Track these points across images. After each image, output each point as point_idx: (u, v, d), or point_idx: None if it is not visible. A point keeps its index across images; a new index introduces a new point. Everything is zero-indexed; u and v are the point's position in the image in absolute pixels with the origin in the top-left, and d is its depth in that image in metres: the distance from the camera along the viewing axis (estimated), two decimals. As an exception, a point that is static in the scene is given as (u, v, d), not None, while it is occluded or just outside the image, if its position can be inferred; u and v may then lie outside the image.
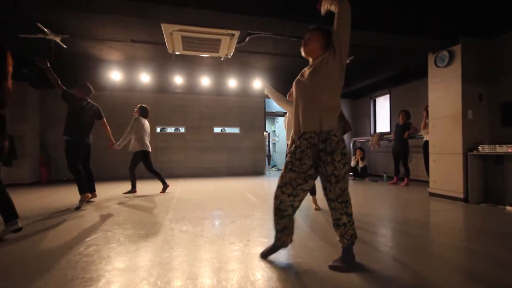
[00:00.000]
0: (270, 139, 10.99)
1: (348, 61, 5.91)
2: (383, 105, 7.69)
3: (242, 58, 6.01)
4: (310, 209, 3.50)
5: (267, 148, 9.22)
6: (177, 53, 4.45)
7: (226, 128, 8.17)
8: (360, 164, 6.83)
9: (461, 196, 3.91)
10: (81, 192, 3.61)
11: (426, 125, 5.08)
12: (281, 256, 1.96)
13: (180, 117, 7.69)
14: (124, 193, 4.65)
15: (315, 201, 3.53)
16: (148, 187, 5.43)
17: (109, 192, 4.93)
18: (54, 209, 3.53)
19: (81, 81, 4.11)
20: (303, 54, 1.89)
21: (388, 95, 7.30)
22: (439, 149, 4.27)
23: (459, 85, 3.95)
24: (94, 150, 4.34)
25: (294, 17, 3.28)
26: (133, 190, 4.65)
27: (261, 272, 1.69)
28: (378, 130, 7.77)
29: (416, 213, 3.35)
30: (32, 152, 6.39)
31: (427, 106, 4.80)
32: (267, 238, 2.33)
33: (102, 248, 2.12)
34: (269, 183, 6.31)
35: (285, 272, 1.71)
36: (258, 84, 7.64)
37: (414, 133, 5.72)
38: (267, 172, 8.53)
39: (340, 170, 1.66)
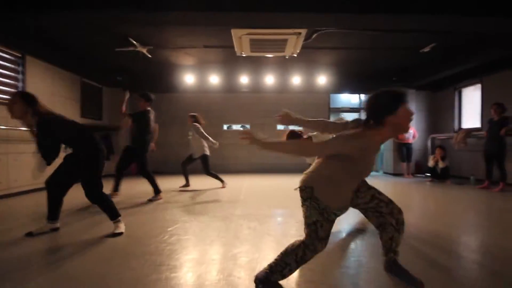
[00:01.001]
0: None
1: (428, 49, 5.28)
2: (471, 97, 6.64)
3: (307, 55, 5.90)
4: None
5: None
6: (244, 55, 4.65)
7: (289, 126, 8.19)
8: (441, 165, 6.06)
9: None
10: (156, 192, 4.07)
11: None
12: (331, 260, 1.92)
13: (246, 115, 8.01)
14: (180, 187, 5.10)
15: None
16: (203, 182, 5.84)
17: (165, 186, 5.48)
18: (139, 199, 4.10)
19: (140, 90, 4.33)
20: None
21: (479, 85, 6.27)
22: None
23: None
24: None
25: (360, 10, 3.09)
26: (187, 184, 5.12)
27: (337, 272, 1.69)
28: (464, 126, 6.75)
29: (515, 228, 2.84)
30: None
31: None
32: (331, 239, 2.30)
33: (182, 238, 2.40)
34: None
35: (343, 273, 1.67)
36: (323, 79, 7.42)
37: (514, 130, 4.80)
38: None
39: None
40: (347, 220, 2.94)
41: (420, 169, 7.38)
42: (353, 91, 8.27)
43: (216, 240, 2.36)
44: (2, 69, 4.26)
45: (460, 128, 6.74)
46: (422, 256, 2.04)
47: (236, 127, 8.21)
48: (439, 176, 6.11)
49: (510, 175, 5.09)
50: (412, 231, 2.62)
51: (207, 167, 4.97)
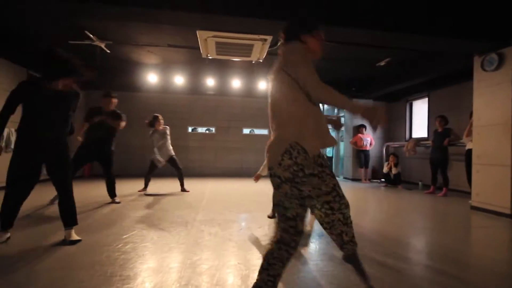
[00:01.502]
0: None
1: (383, 63, 5.68)
2: (420, 109, 7.28)
3: (273, 61, 6.01)
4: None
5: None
6: (210, 57, 4.58)
7: (255, 130, 8.24)
8: (394, 171, 6.52)
9: (509, 211, 3.59)
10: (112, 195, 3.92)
11: (470, 133, 4.71)
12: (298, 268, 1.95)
13: (211, 118, 7.90)
14: (139, 191, 4.92)
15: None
16: (168, 185, 5.65)
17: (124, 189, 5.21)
18: (95, 203, 3.81)
19: (105, 91, 4.20)
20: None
21: (426, 99, 6.89)
22: (484, 159, 3.95)
23: (509, 91, 3.63)
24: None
25: (325, 21, 3.23)
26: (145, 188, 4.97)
27: (289, 279, 1.70)
28: (414, 136, 7.36)
29: (457, 229, 3.14)
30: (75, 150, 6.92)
31: (471, 112, 4.46)
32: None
33: (138, 246, 2.26)
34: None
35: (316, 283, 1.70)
36: (288, 86, 7.59)
37: (455, 140, 5.34)
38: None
39: None
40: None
41: (376, 174, 7.87)
42: (317, 98, 8.58)
43: (175, 247, 2.25)
44: None
45: (410, 137, 7.34)
46: (372, 258, 2.15)
47: (201, 129, 8.05)
48: (392, 182, 6.57)
49: (453, 181, 5.64)
50: (365, 233, 2.76)
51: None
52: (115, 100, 4.07)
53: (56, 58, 2.32)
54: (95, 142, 3.83)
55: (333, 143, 1.34)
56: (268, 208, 3.83)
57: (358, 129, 7.53)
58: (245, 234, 2.64)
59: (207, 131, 8.09)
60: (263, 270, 1.30)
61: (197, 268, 1.87)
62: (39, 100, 2.26)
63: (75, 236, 2.34)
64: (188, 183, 5.53)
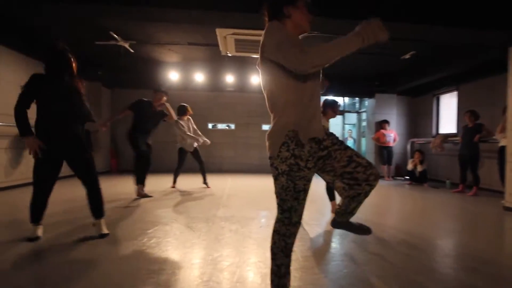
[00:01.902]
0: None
1: (408, 56, 5.44)
2: (448, 104, 6.91)
3: (292, 56, 5.94)
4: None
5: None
6: (229, 54, 4.60)
7: (274, 126, 8.21)
8: (419, 168, 6.27)
9: (547, 214, 3.36)
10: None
11: (503, 129, 4.41)
12: (331, 265, 1.94)
13: (231, 114, 7.96)
14: (171, 187, 5.00)
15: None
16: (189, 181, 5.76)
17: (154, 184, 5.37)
18: (122, 199, 3.98)
19: (157, 86, 4.37)
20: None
21: (455, 93, 6.53)
22: (519, 157, 3.70)
23: (550, 84, 3.36)
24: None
25: (344, 15, 3.14)
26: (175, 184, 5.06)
27: (310, 279, 1.69)
28: (441, 131, 7.02)
29: (488, 231, 2.98)
30: (104, 145, 7.26)
31: (505, 107, 4.17)
32: (311, 242, 2.31)
33: (162, 241, 2.33)
34: (318, 181, 6.19)
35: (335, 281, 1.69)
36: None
37: (487, 136, 5.04)
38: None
39: None
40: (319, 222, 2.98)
41: (399, 172, 7.61)
42: (337, 94, 8.40)
43: (196, 243, 2.31)
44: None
45: (437, 133, 7.01)
46: (396, 261, 2.09)
47: (221, 126, 8.14)
48: (417, 179, 6.32)
49: (484, 180, 5.34)
50: (389, 234, 2.68)
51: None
52: (166, 97, 4.15)
53: (53, 51, 2.34)
54: (143, 134, 4.00)
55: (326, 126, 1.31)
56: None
57: (381, 124, 7.29)
58: (264, 232, 2.66)
59: (226, 127, 8.16)
60: (271, 260, 1.33)
61: (218, 264, 1.91)
62: (51, 93, 2.27)
63: (104, 230, 2.44)
64: (208, 179, 5.61)
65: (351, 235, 2.62)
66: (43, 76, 2.31)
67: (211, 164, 7.75)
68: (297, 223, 1.32)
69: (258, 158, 7.99)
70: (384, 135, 7.11)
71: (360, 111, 8.96)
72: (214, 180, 6.02)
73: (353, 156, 1.32)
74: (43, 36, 5.06)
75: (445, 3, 3.21)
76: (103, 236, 2.40)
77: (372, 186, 1.35)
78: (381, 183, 6.69)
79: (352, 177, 1.33)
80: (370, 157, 7.81)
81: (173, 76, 6.95)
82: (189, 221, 2.95)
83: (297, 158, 1.21)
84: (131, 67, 6.73)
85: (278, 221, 1.31)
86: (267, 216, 3.28)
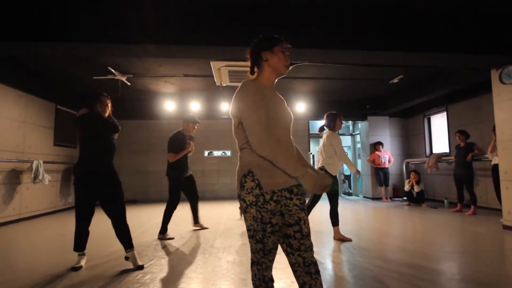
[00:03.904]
0: (315, 160, 10.76)
1: (396, 80, 5.66)
2: (439, 124, 7.08)
3: (284, 84, 6.14)
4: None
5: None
6: (224, 84, 4.75)
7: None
8: (416, 189, 6.27)
9: (546, 231, 3.34)
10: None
11: (494, 148, 4.51)
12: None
13: (227, 141, 8.02)
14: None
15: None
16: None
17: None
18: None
19: (189, 116, 3.92)
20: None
21: (445, 113, 6.72)
22: (512, 175, 3.75)
23: (532, 104, 3.49)
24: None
25: (333, 46, 3.31)
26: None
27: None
28: (434, 151, 7.12)
29: (489, 251, 2.94)
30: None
31: (494, 126, 4.29)
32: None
33: (157, 277, 2.26)
34: (317, 208, 6.12)
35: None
36: (301, 107, 7.66)
37: (479, 155, 5.12)
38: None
39: None
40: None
41: (397, 193, 7.59)
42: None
43: (193, 277, 2.25)
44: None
45: (431, 153, 7.10)
46: (402, 283, 2.04)
47: (217, 153, 8.17)
48: (415, 200, 6.30)
49: (481, 198, 5.34)
50: (388, 258, 2.64)
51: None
52: (197, 127, 3.91)
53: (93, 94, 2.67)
54: (185, 167, 3.77)
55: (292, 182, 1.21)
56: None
57: (375, 146, 7.39)
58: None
59: (222, 154, 8.19)
60: None
61: (216, 300, 1.85)
62: (94, 128, 2.56)
63: (139, 261, 2.48)
64: (205, 207, 5.55)
65: (354, 260, 2.56)
66: (87, 116, 2.57)
67: (208, 192, 7.68)
68: (273, 250, 1.26)
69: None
70: (379, 156, 7.18)
71: (353, 133, 9.10)
72: (211, 209, 5.94)
73: (301, 219, 1.25)
74: (40, 73, 5.21)
75: (430, 31, 3.41)
76: (140, 267, 2.44)
77: (304, 259, 1.25)
78: (379, 205, 6.66)
79: (288, 243, 1.27)
80: (367, 179, 7.82)
81: (169, 105, 7.09)
82: (185, 253, 2.87)
83: (262, 189, 1.19)
84: (128, 99, 6.88)
85: (253, 251, 1.27)
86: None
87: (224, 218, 4.93)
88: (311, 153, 8.66)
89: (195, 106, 7.25)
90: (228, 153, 8.12)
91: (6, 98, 4.65)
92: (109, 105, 2.69)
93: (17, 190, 4.77)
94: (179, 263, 2.59)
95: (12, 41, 2.94)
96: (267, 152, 1.16)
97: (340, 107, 7.64)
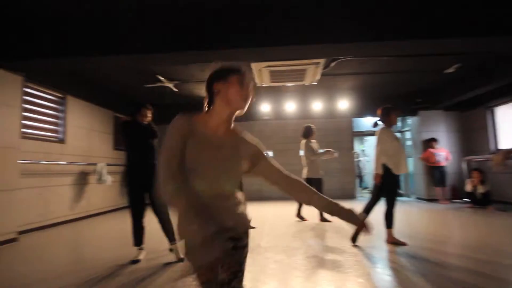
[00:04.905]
0: (360, 160, 10.30)
1: (452, 70, 5.16)
2: (507, 116, 6.26)
3: (326, 81, 5.98)
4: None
5: (357, 169, 8.67)
6: (265, 85, 4.80)
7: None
8: (480, 189, 5.64)
9: None
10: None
11: None
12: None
13: (268, 142, 8.07)
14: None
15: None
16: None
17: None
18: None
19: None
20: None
21: (513, 103, 5.93)
22: None
23: None
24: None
25: (377, 37, 3.13)
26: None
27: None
28: (502, 147, 6.31)
29: None
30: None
31: None
32: (363, 278, 2.16)
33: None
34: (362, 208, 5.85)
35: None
36: (344, 104, 7.40)
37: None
38: (358, 195, 7.95)
39: None
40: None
41: (456, 193, 6.89)
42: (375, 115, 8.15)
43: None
44: (45, 108, 4.69)
45: (497, 149, 6.31)
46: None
47: (259, 154, 8.28)
48: (479, 202, 5.66)
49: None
50: (449, 268, 2.41)
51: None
52: None
53: (136, 103, 2.98)
54: None
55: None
56: (333, 234, 3.65)
57: (429, 143, 6.81)
58: (311, 263, 2.56)
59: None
60: None
61: (266, 298, 1.88)
62: (136, 136, 2.86)
63: (181, 254, 2.70)
64: (250, 207, 5.63)
65: (408, 265, 2.41)
66: (128, 124, 2.90)
67: (252, 192, 7.81)
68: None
69: (298, 184, 7.87)
70: (433, 154, 6.60)
71: (403, 130, 8.50)
72: (255, 208, 6.03)
73: (239, 273, 1.07)
74: (100, 84, 5.80)
75: (492, 11, 3.05)
76: (181, 260, 2.67)
77: None
78: (435, 207, 6.13)
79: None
80: (420, 179, 7.24)
81: (212, 109, 7.38)
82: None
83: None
84: (176, 105, 7.33)
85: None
86: (312, 246, 3.16)
87: (270, 218, 4.96)
88: (355, 152, 8.30)
89: (237, 108, 7.45)
90: (270, 153, 8.17)
91: (75, 108, 5.27)
92: (149, 114, 2.96)
93: (85, 190, 5.37)
94: (228, 261, 2.67)
95: (80, 56, 3.33)
96: (165, 198, 0.99)
97: (386, 103, 7.21)
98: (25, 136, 4.15)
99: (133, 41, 3.28)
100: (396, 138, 3.18)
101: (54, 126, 4.83)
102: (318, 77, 4.39)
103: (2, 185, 3.49)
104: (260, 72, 4.18)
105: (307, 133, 4.63)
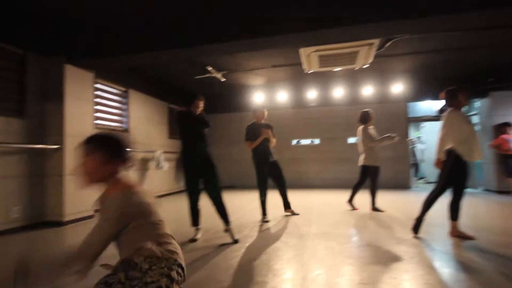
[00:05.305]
0: (416, 147, 9.53)
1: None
2: None
3: (379, 64, 5.60)
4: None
5: (412, 157, 8.05)
6: (313, 71, 4.68)
7: (362, 138, 7.74)
8: None
9: None
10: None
11: None
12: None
13: (315, 129, 7.92)
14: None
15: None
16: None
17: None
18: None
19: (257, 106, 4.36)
20: None
21: None
22: None
23: None
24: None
25: (442, 10, 2.80)
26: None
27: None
28: None
29: None
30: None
31: None
32: (426, 272, 2.04)
33: (254, 256, 2.47)
34: (417, 199, 5.46)
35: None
36: (398, 87, 6.87)
37: None
38: (413, 185, 7.42)
39: None
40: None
41: (535, 186, 6.01)
42: (436, 97, 7.40)
43: (292, 259, 2.36)
44: (112, 101, 5.23)
45: None
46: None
47: (306, 141, 8.16)
48: None
49: None
50: (533, 265, 2.15)
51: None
52: (266, 112, 4.17)
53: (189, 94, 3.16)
54: (265, 153, 3.95)
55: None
56: (388, 223, 3.50)
57: (501, 128, 6.00)
58: (365, 252, 2.50)
59: (311, 143, 8.14)
60: None
61: (313, 282, 1.90)
62: (189, 123, 3.05)
63: (235, 236, 2.88)
64: (295, 195, 5.66)
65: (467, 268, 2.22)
66: (183, 113, 3.08)
67: (297, 180, 7.80)
68: None
69: (344, 172, 7.63)
70: (506, 141, 5.81)
71: (469, 114, 7.60)
72: (301, 196, 6.03)
73: None
74: (156, 77, 6.22)
75: None
76: (235, 241, 2.83)
77: None
78: (508, 201, 5.44)
79: None
80: (489, 168, 6.46)
81: (258, 97, 7.45)
82: (284, 238, 3.02)
83: None
84: (224, 95, 7.58)
85: None
86: (366, 235, 3.08)
87: (316, 206, 4.93)
88: (410, 139, 7.69)
89: (282, 96, 7.41)
90: (317, 141, 8.01)
91: (136, 100, 5.78)
92: (201, 104, 3.11)
93: (146, 175, 5.92)
94: (276, 245, 2.75)
95: (140, 53, 3.62)
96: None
97: (448, 84, 6.49)
98: (97, 127, 4.69)
99: (185, 35, 3.45)
100: (468, 121, 2.85)
101: (119, 117, 5.37)
102: (371, 59, 4.13)
103: (81, 169, 4.03)
104: (309, 58, 4.08)
105: (365, 119, 4.39)
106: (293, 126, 7.97)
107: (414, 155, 8.74)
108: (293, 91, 7.46)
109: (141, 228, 1.17)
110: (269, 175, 3.97)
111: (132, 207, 1.17)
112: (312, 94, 7.30)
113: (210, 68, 5.48)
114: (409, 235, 2.97)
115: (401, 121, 7.36)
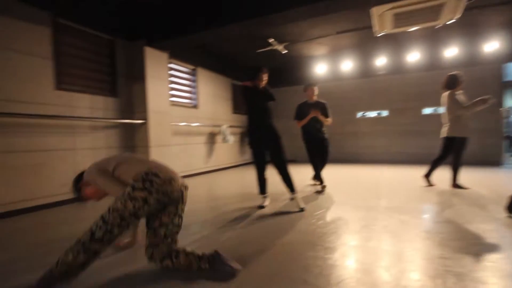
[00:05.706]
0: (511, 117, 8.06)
1: None
2: None
3: (468, 18, 4.75)
4: None
5: (506, 129, 6.84)
6: (384, 33, 4.22)
7: (439, 108, 6.85)
8: None
9: None
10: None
11: None
12: None
13: (383, 100, 7.30)
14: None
15: None
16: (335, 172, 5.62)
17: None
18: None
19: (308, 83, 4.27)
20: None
21: None
22: None
23: None
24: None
25: None
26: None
27: None
28: None
29: None
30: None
31: None
32: (507, 251, 1.82)
33: (328, 223, 2.51)
34: (510, 177, 4.72)
35: None
36: (492, 46, 5.78)
37: None
38: (505, 162, 6.39)
39: None
40: None
41: None
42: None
43: (362, 230, 2.33)
44: (183, 79, 5.65)
45: None
46: None
47: (372, 114, 7.62)
48: None
49: None
50: None
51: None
52: (316, 90, 4.13)
53: (253, 68, 3.14)
54: (313, 132, 4.03)
55: None
56: (479, 201, 3.15)
57: None
58: (444, 228, 2.33)
59: (378, 115, 7.56)
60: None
61: (397, 255, 1.86)
62: (254, 98, 3.10)
63: (301, 204, 2.97)
64: (360, 170, 5.44)
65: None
66: (248, 88, 3.14)
67: (362, 155, 7.44)
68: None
69: (415, 147, 6.96)
70: None
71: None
72: (368, 171, 5.77)
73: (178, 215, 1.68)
74: (219, 54, 6.42)
75: None
76: (301, 210, 2.92)
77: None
78: None
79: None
80: None
81: (320, 68, 7.14)
82: (351, 209, 2.99)
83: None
84: (285, 68, 7.46)
85: None
86: (446, 211, 2.84)
87: (384, 180, 4.68)
88: (504, 108, 6.51)
89: (347, 66, 6.96)
90: (385, 113, 7.40)
91: (203, 78, 6.14)
92: (265, 77, 3.11)
93: (214, 148, 6.38)
94: (344, 215, 2.74)
95: (207, 30, 3.78)
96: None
97: None
98: (172, 104, 5.17)
99: (247, 7, 3.45)
100: None
101: (190, 94, 5.80)
102: (460, 12, 3.51)
103: (162, 141, 4.56)
104: (381, 18, 3.67)
105: (452, 83, 3.87)
106: (358, 98, 7.48)
107: (509, 126, 7.43)
108: (359, 59, 6.92)
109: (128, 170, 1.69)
110: (317, 152, 4.03)
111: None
112: (380, 61, 6.66)
113: (271, 40, 5.41)
114: (502, 213, 2.63)
115: (494, 86, 6.23)
